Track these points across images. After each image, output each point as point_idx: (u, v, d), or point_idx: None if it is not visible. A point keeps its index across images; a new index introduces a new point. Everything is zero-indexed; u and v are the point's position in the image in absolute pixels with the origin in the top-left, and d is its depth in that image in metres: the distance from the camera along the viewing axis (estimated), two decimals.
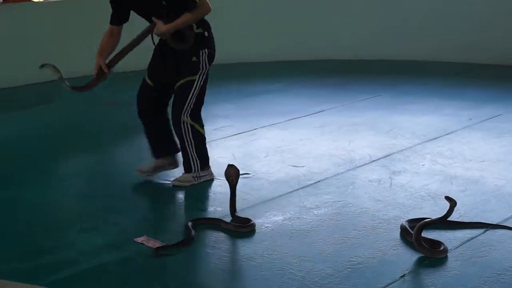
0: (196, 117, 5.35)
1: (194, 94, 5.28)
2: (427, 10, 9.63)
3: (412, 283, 3.99)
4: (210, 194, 5.22)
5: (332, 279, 3.94)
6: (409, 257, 4.23)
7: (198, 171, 5.33)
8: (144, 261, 4.23)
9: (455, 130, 6.71)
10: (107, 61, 5.21)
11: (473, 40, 9.39)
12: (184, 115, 5.24)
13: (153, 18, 5.09)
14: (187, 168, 5.35)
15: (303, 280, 3.93)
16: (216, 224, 4.65)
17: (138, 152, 6.17)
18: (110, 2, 5.28)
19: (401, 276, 3.98)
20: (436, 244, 4.28)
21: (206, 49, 5.34)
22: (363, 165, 5.79)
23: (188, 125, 5.26)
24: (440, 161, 5.87)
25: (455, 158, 5.95)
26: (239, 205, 4.78)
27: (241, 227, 4.62)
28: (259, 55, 9.32)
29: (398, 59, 9.40)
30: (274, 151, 6.12)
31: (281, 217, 4.78)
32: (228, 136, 6.54)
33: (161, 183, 5.54)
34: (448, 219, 4.37)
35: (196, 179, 5.34)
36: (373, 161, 5.88)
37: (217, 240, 4.44)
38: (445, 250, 4.24)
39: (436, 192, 5.19)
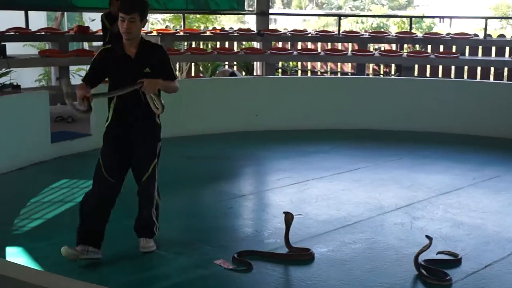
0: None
1: (157, 177, 4.54)
2: (442, 95, 9.57)
3: None
4: (272, 229, 5.18)
5: None
6: (424, 285, 4.17)
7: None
8: (221, 278, 4.25)
9: (462, 186, 6.58)
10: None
11: (478, 117, 9.28)
12: (154, 211, 4.56)
13: (143, 80, 4.25)
14: (150, 234, 4.62)
15: None
16: (266, 255, 4.56)
17: (219, 194, 6.22)
18: (93, 62, 4.35)
19: None
20: (444, 274, 4.24)
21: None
22: (390, 211, 5.72)
23: (158, 202, 4.63)
24: (450, 210, 5.77)
25: (462, 208, 5.83)
26: (294, 238, 4.76)
27: (302, 255, 4.57)
28: (312, 124, 9.35)
29: (418, 131, 9.32)
30: (322, 198, 6.08)
31: (325, 249, 4.75)
32: (287, 185, 6.53)
33: (232, 222, 5.58)
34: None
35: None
36: (398, 208, 5.79)
37: (275, 266, 4.42)
38: (450, 279, 4.19)
39: (447, 235, 5.09)
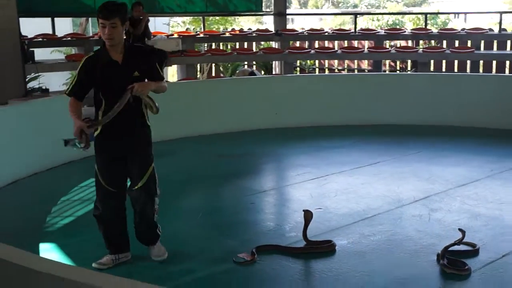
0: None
1: (157, 177, 4.32)
2: (459, 89, 9.50)
3: None
4: (293, 223, 5.20)
5: None
6: (443, 275, 4.17)
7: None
8: (244, 271, 4.29)
9: (480, 178, 6.54)
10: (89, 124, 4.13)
11: (496, 110, 9.19)
12: (156, 215, 4.38)
13: (132, 85, 4.03)
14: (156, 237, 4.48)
15: None
16: (284, 250, 4.57)
17: (240, 190, 6.27)
18: (78, 73, 4.10)
19: None
20: (463, 264, 4.24)
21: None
22: (408, 204, 5.71)
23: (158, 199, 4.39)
24: (468, 202, 5.74)
25: (479, 200, 5.80)
26: (315, 231, 4.78)
27: (323, 247, 4.58)
28: (331, 121, 9.34)
29: (437, 124, 9.26)
30: (341, 192, 6.09)
31: (345, 242, 4.77)
32: (307, 180, 6.54)
33: (253, 217, 5.61)
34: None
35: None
36: (416, 201, 5.78)
37: (296, 259, 4.46)
38: (469, 269, 4.18)
39: (465, 226, 5.03)
